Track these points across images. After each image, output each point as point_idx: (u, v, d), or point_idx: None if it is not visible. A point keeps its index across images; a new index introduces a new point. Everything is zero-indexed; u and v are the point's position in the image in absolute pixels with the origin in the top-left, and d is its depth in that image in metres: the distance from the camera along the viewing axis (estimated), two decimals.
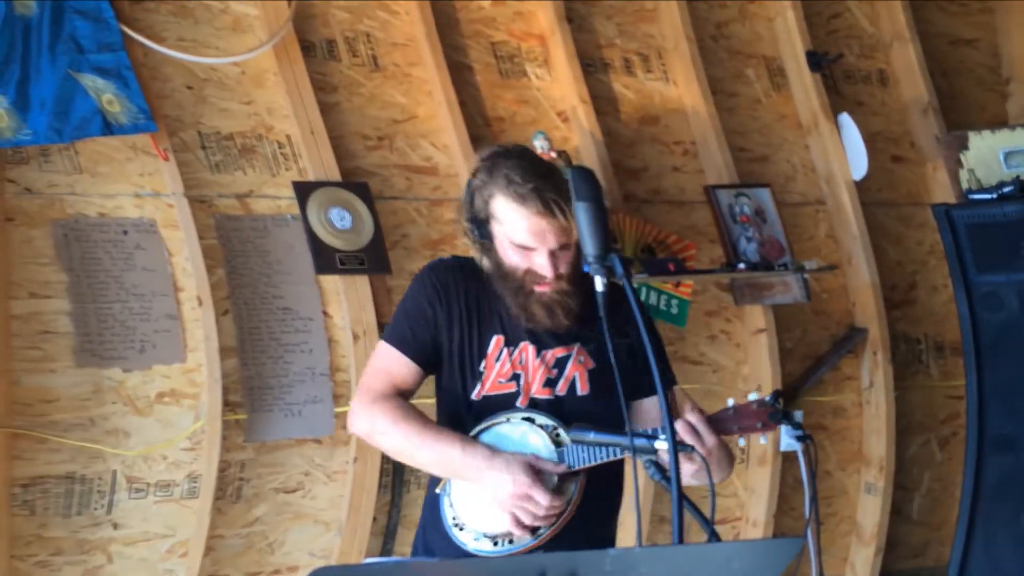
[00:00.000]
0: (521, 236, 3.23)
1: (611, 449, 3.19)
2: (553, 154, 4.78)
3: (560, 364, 3.37)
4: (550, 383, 3.35)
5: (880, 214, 5.66)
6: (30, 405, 4.19)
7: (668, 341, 5.08)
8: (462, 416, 3.34)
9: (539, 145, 4.77)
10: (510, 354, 3.35)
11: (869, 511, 5.44)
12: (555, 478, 3.21)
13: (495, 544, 3.21)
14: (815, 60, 5.50)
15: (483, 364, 3.35)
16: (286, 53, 4.63)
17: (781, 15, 5.56)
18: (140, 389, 4.34)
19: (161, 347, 4.38)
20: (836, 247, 5.54)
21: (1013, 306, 4.78)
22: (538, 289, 3.27)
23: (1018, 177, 4.81)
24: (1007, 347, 4.81)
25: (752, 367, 5.25)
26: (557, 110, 5.15)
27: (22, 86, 4.14)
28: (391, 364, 3.35)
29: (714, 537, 2.78)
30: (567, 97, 5.12)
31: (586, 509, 3.28)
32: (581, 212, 2.82)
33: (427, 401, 3.49)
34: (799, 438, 5.06)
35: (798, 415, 5.24)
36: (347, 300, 4.57)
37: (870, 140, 5.52)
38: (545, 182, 3.24)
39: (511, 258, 3.27)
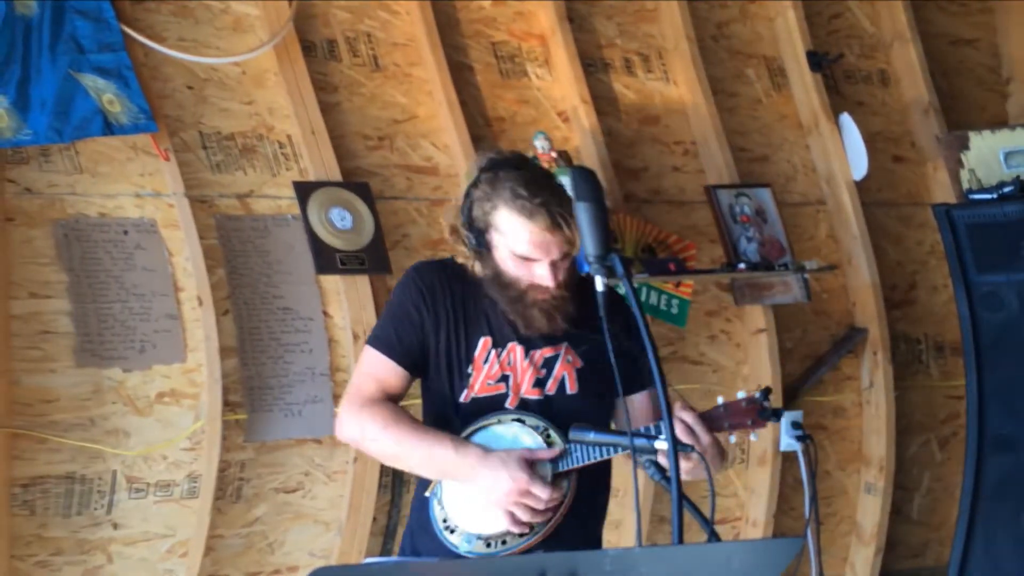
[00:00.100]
0: (525, 248, 3.23)
1: (605, 448, 3.20)
2: (554, 154, 4.79)
3: (548, 364, 3.37)
4: (539, 383, 3.35)
5: (880, 214, 5.66)
6: (30, 405, 4.19)
7: (668, 341, 5.09)
8: (450, 418, 3.32)
9: (540, 145, 4.78)
10: (498, 355, 3.34)
11: (869, 511, 5.44)
12: (549, 474, 3.22)
13: (488, 546, 3.20)
14: (816, 60, 5.50)
15: (471, 366, 3.33)
16: (287, 53, 4.63)
17: (782, 15, 5.57)
18: (140, 389, 4.35)
19: (161, 347, 4.38)
20: (836, 247, 5.54)
21: (1013, 306, 4.78)
22: (539, 297, 3.27)
23: (1018, 177, 4.81)
24: (1007, 347, 4.81)
25: (752, 367, 5.25)
26: (558, 110, 5.15)
27: (22, 86, 4.14)
28: (378, 369, 3.33)
29: (714, 537, 2.78)
30: (568, 97, 5.12)
31: (577, 508, 3.29)
32: (582, 212, 2.82)
33: (414, 402, 3.49)
34: (799, 438, 5.11)
35: (797, 415, 5.23)
36: (347, 300, 4.58)
37: (870, 140, 5.53)
38: (552, 196, 3.25)
39: (511, 268, 3.26)
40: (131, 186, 4.41)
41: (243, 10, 4.66)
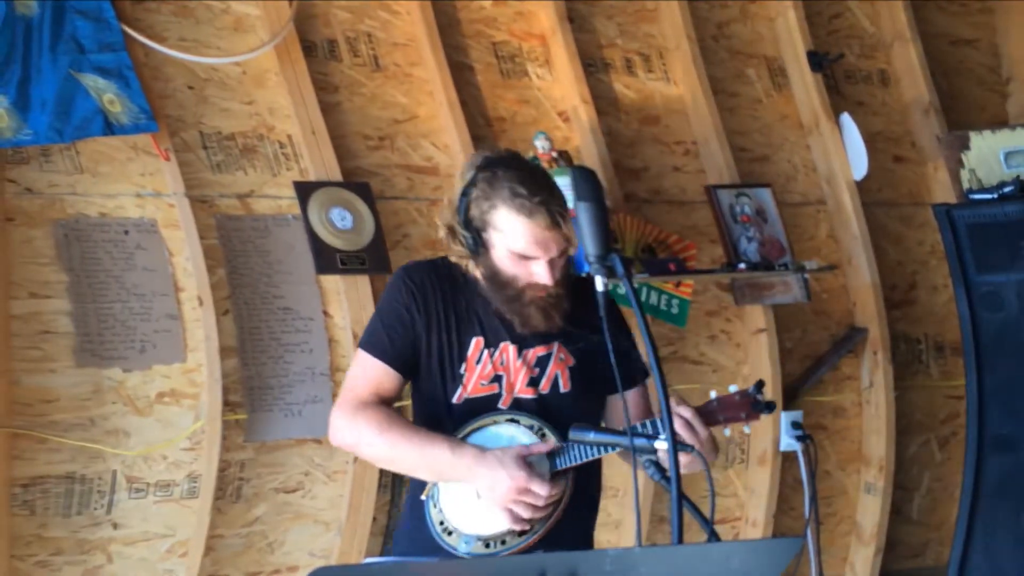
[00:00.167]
0: (524, 247, 3.23)
1: (600, 448, 3.21)
2: (554, 154, 4.78)
3: (541, 363, 3.37)
4: (533, 382, 3.35)
5: (881, 214, 5.66)
6: (30, 405, 4.19)
7: (668, 341, 5.09)
8: (442, 420, 3.31)
9: (540, 145, 4.77)
10: (491, 355, 3.34)
11: (869, 511, 5.44)
12: (548, 471, 3.22)
13: (487, 546, 3.20)
14: (816, 60, 5.50)
15: (463, 367, 3.33)
16: (287, 53, 4.63)
17: (782, 15, 5.57)
18: (140, 389, 4.35)
19: (161, 347, 4.38)
20: (837, 247, 5.54)
21: (1013, 306, 4.78)
22: (536, 295, 3.28)
23: (1018, 177, 4.81)
24: (1007, 347, 4.81)
25: (752, 367, 5.25)
26: (558, 110, 5.15)
27: (23, 86, 4.14)
28: (371, 373, 3.32)
29: (714, 537, 2.78)
30: (568, 97, 5.12)
31: (573, 507, 3.30)
32: (582, 212, 2.82)
33: (403, 403, 3.49)
34: (799, 438, 5.11)
35: (797, 415, 5.23)
36: (348, 300, 4.58)
37: (871, 140, 5.53)
38: (550, 194, 3.26)
39: (508, 267, 3.26)
40: (132, 186, 4.41)
41: (244, 10, 4.66)
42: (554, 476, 3.22)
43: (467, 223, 3.29)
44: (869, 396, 5.46)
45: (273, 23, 4.62)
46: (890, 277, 5.61)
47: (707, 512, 2.80)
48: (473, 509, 3.21)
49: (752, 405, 3.29)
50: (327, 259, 4.54)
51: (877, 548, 5.40)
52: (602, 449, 3.22)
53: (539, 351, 3.37)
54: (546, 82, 5.17)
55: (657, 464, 2.97)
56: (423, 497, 3.30)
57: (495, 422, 3.29)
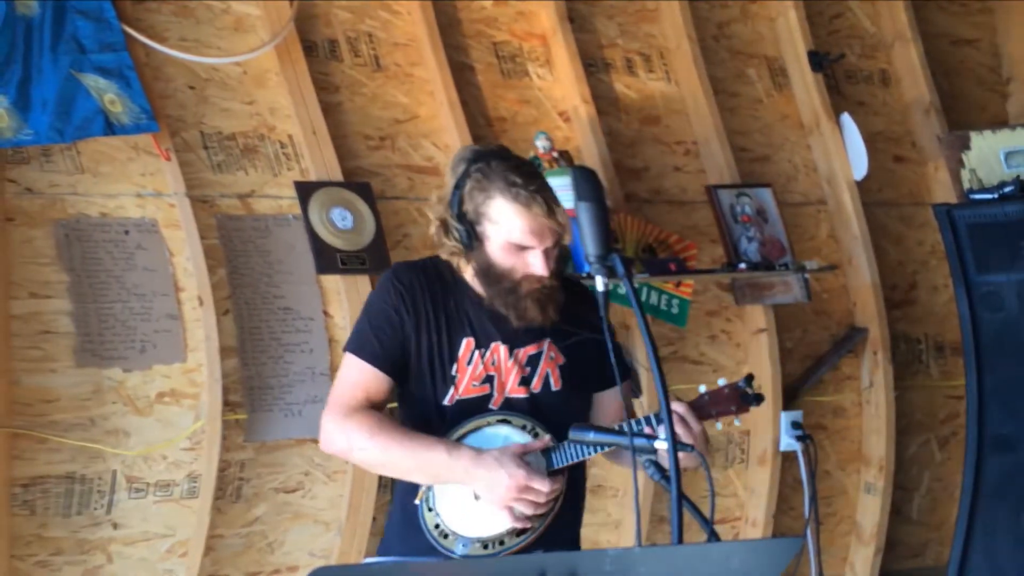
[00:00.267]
0: (521, 236, 3.23)
1: (598, 446, 3.23)
2: (555, 154, 4.79)
3: (532, 361, 3.38)
4: (524, 381, 3.35)
5: (881, 214, 5.67)
6: (30, 405, 4.19)
7: (668, 341, 5.10)
8: (432, 422, 3.31)
9: (541, 145, 4.78)
10: (482, 356, 3.34)
11: (869, 511, 5.44)
12: (545, 466, 3.23)
13: (485, 548, 3.20)
14: (817, 60, 5.50)
15: (454, 368, 3.32)
16: (288, 53, 4.63)
17: (783, 15, 5.57)
18: (140, 389, 4.34)
19: (161, 347, 4.38)
20: (837, 247, 5.54)
21: (1013, 306, 4.78)
22: (532, 287, 3.27)
23: (1018, 177, 4.81)
24: (1007, 347, 4.82)
25: (752, 367, 5.24)
26: (559, 110, 5.15)
27: (23, 86, 4.14)
28: (360, 377, 3.30)
29: (713, 537, 2.78)
30: (569, 97, 5.12)
31: (567, 507, 3.33)
32: (583, 212, 2.83)
33: (391, 404, 3.49)
34: (799, 438, 5.12)
35: (797, 415, 5.23)
36: (348, 300, 4.57)
37: (871, 140, 5.53)
38: (543, 183, 3.29)
39: (504, 259, 3.26)
40: (132, 186, 4.41)
41: (244, 10, 4.66)
42: (551, 475, 3.23)
43: (460, 216, 3.28)
44: (869, 396, 5.46)
45: (274, 23, 4.62)
46: (890, 277, 5.61)
47: (707, 512, 2.80)
48: (471, 511, 3.21)
49: (741, 398, 3.36)
50: (327, 259, 4.54)
51: (877, 548, 5.40)
52: (599, 447, 3.23)
53: (530, 350, 3.37)
54: (547, 82, 5.17)
55: (657, 464, 2.98)
56: (416, 501, 3.27)
57: (487, 423, 3.29)
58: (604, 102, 5.20)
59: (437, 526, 3.24)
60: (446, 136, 4.89)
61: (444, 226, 3.33)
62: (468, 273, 3.38)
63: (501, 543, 3.20)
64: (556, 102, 5.15)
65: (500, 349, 3.35)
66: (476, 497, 3.20)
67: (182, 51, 4.48)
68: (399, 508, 3.45)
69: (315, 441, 4.45)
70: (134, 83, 4.32)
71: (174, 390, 4.39)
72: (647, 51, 5.39)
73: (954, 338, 5.61)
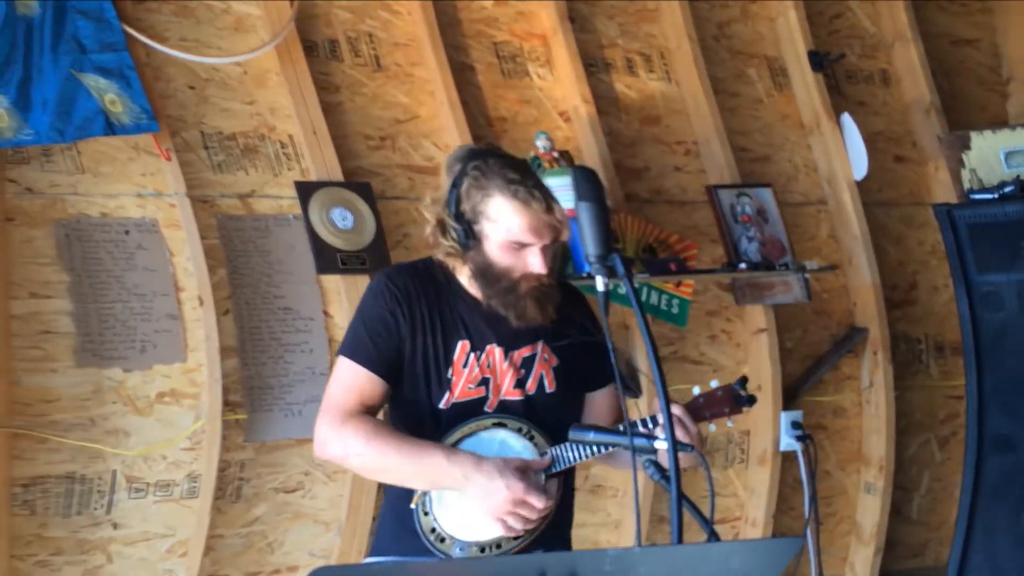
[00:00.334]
0: (520, 234, 3.22)
1: (595, 448, 3.23)
2: (555, 154, 4.79)
3: (527, 364, 3.37)
4: (519, 384, 3.35)
5: (881, 214, 5.67)
6: (30, 405, 4.19)
7: (668, 341, 5.10)
8: (426, 425, 3.29)
9: (541, 145, 4.78)
10: (477, 358, 3.32)
11: (868, 511, 5.44)
12: (543, 479, 3.23)
13: (483, 552, 3.20)
14: (817, 60, 5.50)
15: (450, 371, 3.31)
16: (288, 53, 4.63)
17: (783, 15, 5.57)
18: (140, 389, 4.35)
19: (162, 347, 4.38)
20: (837, 247, 5.54)
21: (1013, 306, 4.78)
22: (532, 286, 3.27)
23: (1018, 177, 4.82)
24: (1007, 347, 4.82)
25: (752, 367, 5.25)
26: (559, 110, 5.15)
27: (23, 86, 4.14)
28: (355, 381, 3.28)
29: (713, 537, 2.78)
30: (569, 97, 5.12)
31: (562, 508, 3.35)
32: (583, 212, 2.83)
33: None
34: (799, 438, 5.12)
35: (797, 415, 5.23)
36: (348, 300, 4.57)
37: (872, 140, 5.53)
38: (539, 180, 3.29)
39: (502, 258, 3.25)
40: (133, 186, 4.41)
41: (244, 10, 4.66)
42: (549, 478, 3.24)
43: (458, 216, 3.27)
44: (869, 396, 5.46)
45: (274, 23, 4.62)
46: (891, 277, 5.61)
47: (707, 512, 2.80)
48: (469, 515, 3.19)
49: (735, 399, 3.38)
50: (328, 259, 4.54)
51: (877, 548, 5.40)
52: (599, 450, 3.24)
53: (524, 352, 3.37)
54: (547, 82, 5.17)
55: (657, 464, 2.98)
56: (412, 506, 3.25)
57: (484, 427, 3.28)
58: (604, 102, 5.21)
59: (433, 530, 3.22)
60: (446, 136, 4.88)
61: (441, 226, 3.31)
62: (463, 275, 3.36)
63: (498, 546, 3.20)
64: (556, 102, 5.16)
65: (495, 351, 3.34)
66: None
67: (182, 51, 4.48)
68: (390, 510, 3.42)
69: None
70: (134, 83, 4.32)
71: (174, 390, 4.39)
72: (647, 51, 5.39)
73: (954, 338, 5.61)
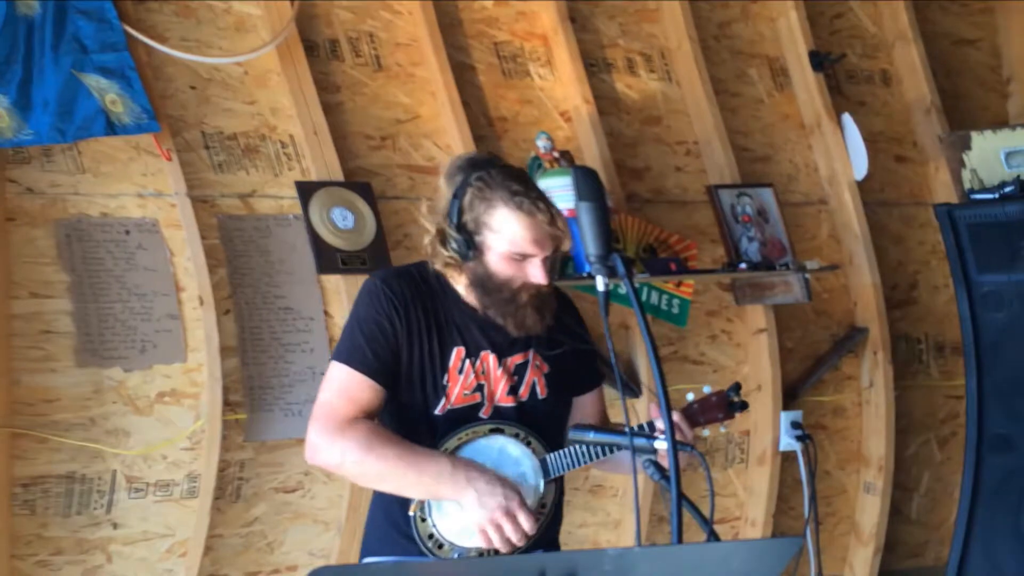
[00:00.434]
0: (523, 245, 3.20)
1: (593, 453, 3.24)
2: (556, 154, 4.79)
3: (519, 370, 3.36)
4: (513, 390, 3.34)
5: (882, 214, 5.67)
6: (31, 405, 4.19)
7: (668, 341, 5.10)
8: (421, 431, 3.25)
9: (542, 145, 4.78)
10: (472, 365, 3.31)
11: (868, 511, 5.44)
12: (541, 488, 3.24)
13: (481, 556, 3.20)
14: (818, 60, 5.51)
15: (446, 377, 3.28)
16: (289, 53, 4.63)
17: (784, 15, 5.57)
18: (140, 389, 4.35)
19: (162, 347, 4.38)
20: (838, 247, 5.54)
21: (1014, 306, 4.78)
22: (531, 295, 3.27)
23: (1019, 177, 4.81)
24: (1007, 347, 4.82)
25: (753, 367, 5.25)
26: (560, 110, 5.15)
27: (24, 86, 4.14)
28: (353, 388, 3.22)
29: (713, 537, 2.78)
30: (570, 97, 5.12)
31: (555, 514, 3.36)
32: (584, 212, 2.82)
33: None
34: (799, 438, 5.13)
35: (797, 415, 5.24)
36: (348, 300, 4.57)
37: (872, 140, 5.53)
38: (541, 192, 3.27)
39: (504, 269, 3.23)
40: (133, 186, 4.42)
41: (245, 10, 4.67)
42: (548, 483, 3.25)
43: (459, 227, 3.24)
44: (869, 396, 5.46)
45: (275, 23, 4.63)
46: (891, 277, 5.62)
47: (707, 512, 2.80)
48: (469, 524, 3.18)
49: (728, 405, 3.39)
50: (328, 259, 4.54)
51: (876, 548, 5.40)
52: (596, 455, 3.25)
53: (517, 359, 3.36)
54: (548, 82, 5.17)
55: (656, 464, 2.98)
56: (410, 512, 3.23)
57: (481, 433, 3.27)
58: (605, 102, 5.21)
59: (431, 536, 3.20)
60: (447, 136, 4.89)
61: (441, 236, 3.28)
62: (460, 283, 3.35)
63: (496, 553, 3.19)
64: (557, 102, 5.16)
65: (490, 358, 3.33)
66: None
67: (183, 51, 4.48)
68: (384, 515, 3.37)
69: None
70: (135, 83, 4.33)
71: (174, 390, 4.40)
72: (648, 51, 5.39)
73: (954, 338, 5.61)
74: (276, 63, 4.63)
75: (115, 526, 4.32)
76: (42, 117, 4.15)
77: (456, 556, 3.19)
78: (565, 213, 4.10)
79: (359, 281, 4.49)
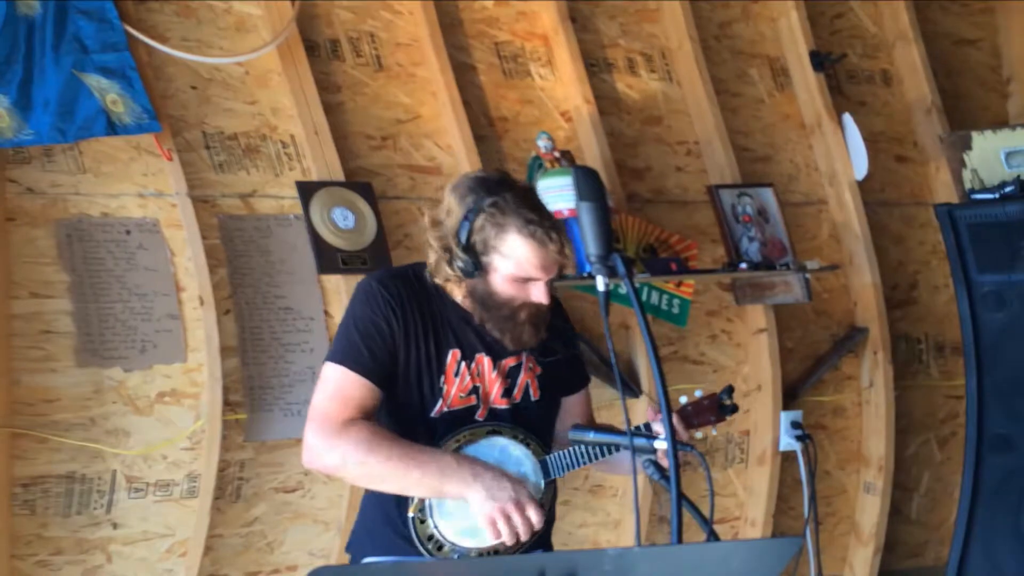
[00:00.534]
0: (530, 270, 3.20)
1: (593, 453, 3.27)
2: (556, 154, 4.79)
3: (512, 373, 3.37)
4: (507, 392, 3.35)
5: (883, 214, 5.67)
6: (31, 405, 4.20)
7: (668, 341, 5.10)
8: (417, 433, 3.24)
9: (542, 145, 4.78)
10: (468, 367, 3.32)
11: (868, 511, 5.45)
12: (542, 486, 3.25)
13: (481, 557, 3.20)
14: (818, 60, 5.51)
15: (442, 379, 3.29)
16: (290, 53, 4.63)
17: (784, 15, 5.57)
18: (141, 389, 4.35)
19: (162, 347, 4.38)
20: (838, 247, 5.54)
21: (1014, 306, 4.78)
22: (530, 313, 3.28)
23: (1019, 177, 4.81)
24: (1007, 347, 4.82)
25: (753, 367, 5.26)
26: (561, 110, 5.15)
27: (24, 86, 4.15)
28: (350, 389, 3.20)
29: (713, 537, 2.79)
30: (571, 97, 5.12)
31: (549, 516, 3.36)
32: (584, 212, 2.82)
33: None
34: (798, 438, 5.13)
35: (797, 415, 5.24)
36: (349, 300, 4.56)
37: (873, 140, 5.54)
38: (552, 218, 3.26)
39: (506, 289, 3.23)
40: (134, 186, 4.42)
41: (246, 10, 4.67)
42: (547, 484, 3.26)
43: (467, 247, 3.22)
44: (869, 396, 5.46)
45: (275, 23, 4.63)
46: (891, 277, 5.62)
47: (707, 512, 2.80)
48: (470, 524, 3.17)
49: (720, 408, 3.42)
50: (329, 259, 4.54)
51: (876, 548, 5.40)
52: (595, 456, 3.26)
53: (510, 361, 3.37)
54: (549, 82, 5.17)
55: (656, 464, 2.99)
56: (409, 514, 3.22)
57: (481, 435, 3.27)
58: (606, 102, 5.21)
59: (431, 537, 3.20)
60: (448, 136, 4.89)
61: (450, 253, 3.26)
62: (457, 294, 3.35)
63: (495, 554, 3.20)
64: (558, 102, 5.16)
65: (484, 360, 3.34)
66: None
67: (184, 51, 4.48)
68: (380, 515, 3.36)
69: None
70: (136, 83, 4.33)
71: (174, 390, 4.40)
72: (649, 51, 5.39)
73: (954, 338, 5.61)
74: (277, 63, 4.63)
75: (115, 526, 4.32)
76: (43, 117, 4.15)
77: (456, 557, 3.18)
78: (566, 213, 4.11)
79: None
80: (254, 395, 4.47)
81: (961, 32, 6.06)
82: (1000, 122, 5.91)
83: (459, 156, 4.84)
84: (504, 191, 3.23)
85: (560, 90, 5.17)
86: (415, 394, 3.28)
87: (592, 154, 5.02)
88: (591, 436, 3.16)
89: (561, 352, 3.45)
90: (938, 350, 5.72)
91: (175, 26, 4.54)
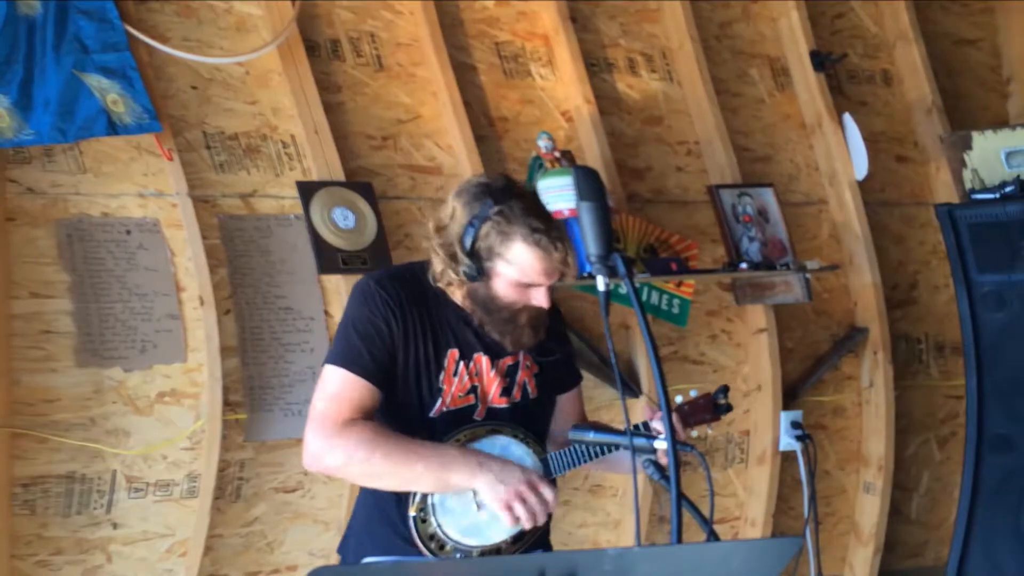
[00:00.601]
0: (533, 276, 3.21)
1: (593, 452, 3.28)
2: (557, 154, 4.79)
3: (511, 372, 3.38)
4: (506, 391, 3.36)
5: (883, 214, 5.67)
6: (31, 405, 4.20)
7: (668, 341, 5.10)
8: (417, 434, 3.23)
9: (543, 145, 4.78)
10: (466, 366, 3.32)
11: (868, 511, 5.44)
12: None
13: (482, 556, 3.20)
14: (819, 60, 5.51)
15: (441, 379, 3.29)
16: (290, 53, 4.63)
17: (785, 15, 5.57)
18: (141, 389, 4.35)
19: (162, 347, 4.38)
20: (838, 247, 5.54)
21: (1014, 306, 4.78)
22: (530, 316, 3.29)
23: (1019, 177, 4.81)
24: (1007, 347, 4.82)
25: (753, 367, 5.26)
26: (561, 110, 5.15)
27: (25, 86, 4.15)
28: (351, 391, 3.20)
29: (713, 537, 2.79)
30: (571, 97, 5.12)
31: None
32: (585, 212, 2.82)
33: None
34: (798, 438, 5.14)
35: (797, 415, 5.24)
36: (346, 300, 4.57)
37: (873, 140, 5.54)
38: (557, 226, 3.27)
39: (508, 294, 3.24)
40: (134, 186, 4.42)
41: (246, 10, 4.67)
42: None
43: (472, 252, 3.23)
44: (869, 396, 5.46)
45: (276, 23, 4.63)
46: (891, 277, 5.62)
47: (706, 512, 2.81)
48: (471, 522, 3.18)
49: (715, 408, 3.44)
50: (329, 259, 4.54)
51: (876, 548, 5.40)
52: (595, 455, 3.27)
53: (508, 361, 3.38)
54: (549, 82, 5.17)
55: (656, 463, 2.99)
56: (411, 513, 3.22)
57: (482, 434, 3.27)
58: (606, 102, 5.21)
59: (432, 536, 3.20)
60: (448, 136, 4.89)
61: (454, 258, 3.25)
62: (456, 295, 3.35)
63: (497, 551, 3.20)
64: (558, 102, 5.16)
65: (483, 360, 3.34)
66: (478, 507, 3.19)
67: (185, 51, 4.48)
68: (377, 515, 3.36)
69: None
70: (137, 83, 4.33)
71: (175, 390, 4.40)
72: (649, 51, 5.39)
73: (954, 338, 5.61)
74: (277, 63, 4.63)
75: (115, 526, 4.32)
76: (43, 117, 4.15)
77: (458, 556, 3.18)
78: (566, 213, 4.11)
79: None
80: (254, 395, 4.47)
81: (961, 32, 6.06)
82: (1000, 122, 5.91)
83: (459, 156, 4.84)
84: (510, 199, 3.23)
85: (560, 90, 5.17)
86: (414, 394, 3.28)
87: (592, 154, 5.02)
88: (591, 436, 3.16)
89: (558, 351, 3.47)
90: (938, 350, 5.73)
91: (176, 26, 4.54)
